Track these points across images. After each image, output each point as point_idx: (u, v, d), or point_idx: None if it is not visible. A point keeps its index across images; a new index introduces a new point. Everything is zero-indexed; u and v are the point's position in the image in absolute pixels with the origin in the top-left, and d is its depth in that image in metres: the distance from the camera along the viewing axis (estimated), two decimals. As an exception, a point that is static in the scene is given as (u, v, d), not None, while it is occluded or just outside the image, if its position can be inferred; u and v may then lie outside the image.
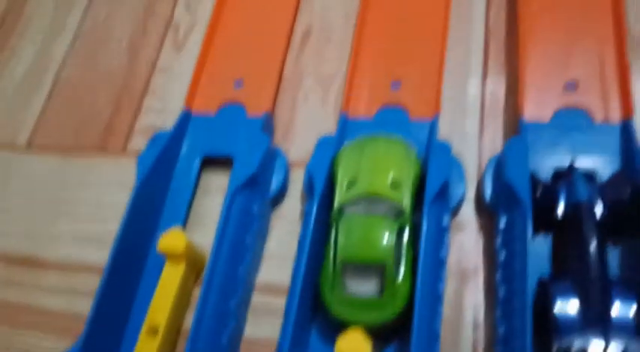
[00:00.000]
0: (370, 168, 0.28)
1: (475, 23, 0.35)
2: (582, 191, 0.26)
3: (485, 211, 0.30)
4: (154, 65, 0.40)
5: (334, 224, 0.27)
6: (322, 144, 0.31)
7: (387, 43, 0.35)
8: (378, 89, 0.33)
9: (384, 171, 0.28)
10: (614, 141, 0.29)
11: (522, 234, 0.25)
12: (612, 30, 0.32)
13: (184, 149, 0.34)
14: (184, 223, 0.32)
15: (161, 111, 0.38)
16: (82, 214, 0.35)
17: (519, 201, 0.26)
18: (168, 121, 0.35)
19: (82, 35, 0.42)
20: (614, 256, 0.26)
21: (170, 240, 0.28)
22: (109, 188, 0.35)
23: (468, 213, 0.30)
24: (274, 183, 0.32)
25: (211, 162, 0.34)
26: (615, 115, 0.30)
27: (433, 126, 0.31)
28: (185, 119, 0.34)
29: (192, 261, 0.29)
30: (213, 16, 0.38)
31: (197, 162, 0.33)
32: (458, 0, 0.36)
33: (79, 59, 0.41)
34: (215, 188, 0.33)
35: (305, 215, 0.29)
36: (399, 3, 0.36)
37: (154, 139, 0.33)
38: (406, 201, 0.27)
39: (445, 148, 0.29)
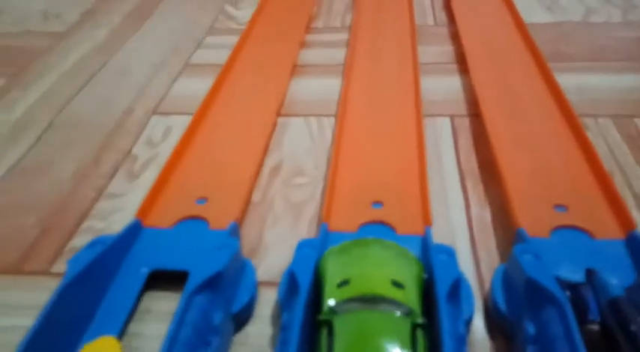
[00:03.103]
0: (366, 268, 0.24)
1: (447, 163, 0.35)
2: (615, 287, 0.22)
3: (497, 327, 0.25)
4: (100, 192, 0.35)
5: (325, 328, 0.21)
6: (304, 245, 0.26)
7: (365, 169, 0.34)
8: (359, 208, 0.31)
9: (383, 271, 0.23)
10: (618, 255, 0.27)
11: (567, 330, 0.20)
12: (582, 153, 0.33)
13: (129, 259, 0.27)
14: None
15: (101, 232, 0.32)
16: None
17: (554, 299, 0.22)
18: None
19: (20, 168, 0.38)
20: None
21: (100, 348, 0.20)
22: (21, 312, 0.27)
23: (478, 331, 0.25)
24: (241, 297, 0.26)
25: (159, 280, 0.27)
26: (613, 231, 0.28)
27: (427, 236, 0.27)
28: (134, 228, 0.29)
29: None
30: (182, 138, 0.36)
31: (143, 275, 0.27)
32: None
33: (11, 186, 0.36)
34: (157, 311, 0.27)
35: (282, 330, 0.23)
36: (372, 135, 0.36)
37: (94, 243, 0.27)
38: (413, 300, 0.22)
39: (449, 250, 0.25)
